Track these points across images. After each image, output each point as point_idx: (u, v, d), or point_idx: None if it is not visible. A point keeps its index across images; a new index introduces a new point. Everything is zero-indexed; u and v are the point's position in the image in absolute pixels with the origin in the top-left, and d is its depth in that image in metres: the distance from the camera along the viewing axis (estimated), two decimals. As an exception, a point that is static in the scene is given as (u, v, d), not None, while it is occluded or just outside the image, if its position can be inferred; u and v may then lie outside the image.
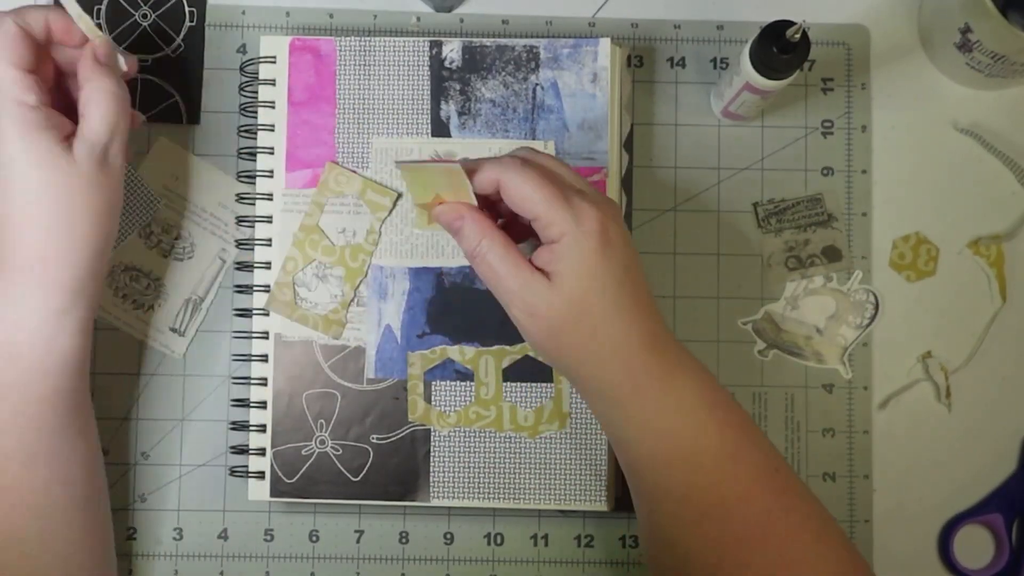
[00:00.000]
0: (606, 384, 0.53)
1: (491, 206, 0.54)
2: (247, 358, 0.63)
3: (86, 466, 0.57)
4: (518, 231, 0.54)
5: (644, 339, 0.52)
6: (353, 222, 0.63)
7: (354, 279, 0.62)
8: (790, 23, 0.56)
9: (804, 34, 0.56)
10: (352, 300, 0.62)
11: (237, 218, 0.65)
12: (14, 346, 0.54)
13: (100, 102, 0.54)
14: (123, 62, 0.57)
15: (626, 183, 0.65)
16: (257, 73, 0.64)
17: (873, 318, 0.66)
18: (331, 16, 0.67)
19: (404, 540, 0.64)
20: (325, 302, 0.62)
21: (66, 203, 0.54)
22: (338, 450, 0.62)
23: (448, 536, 0.64)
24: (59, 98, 0.57)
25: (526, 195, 0.51)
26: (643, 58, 0.67)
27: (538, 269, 0.51)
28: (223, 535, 0.64)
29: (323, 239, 0.63)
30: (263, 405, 0.62)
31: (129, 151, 0.56)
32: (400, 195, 0.63)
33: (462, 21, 0.67)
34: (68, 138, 0.54)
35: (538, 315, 0.52)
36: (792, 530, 0.52)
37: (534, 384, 0.62)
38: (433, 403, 0.62)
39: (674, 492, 0.53)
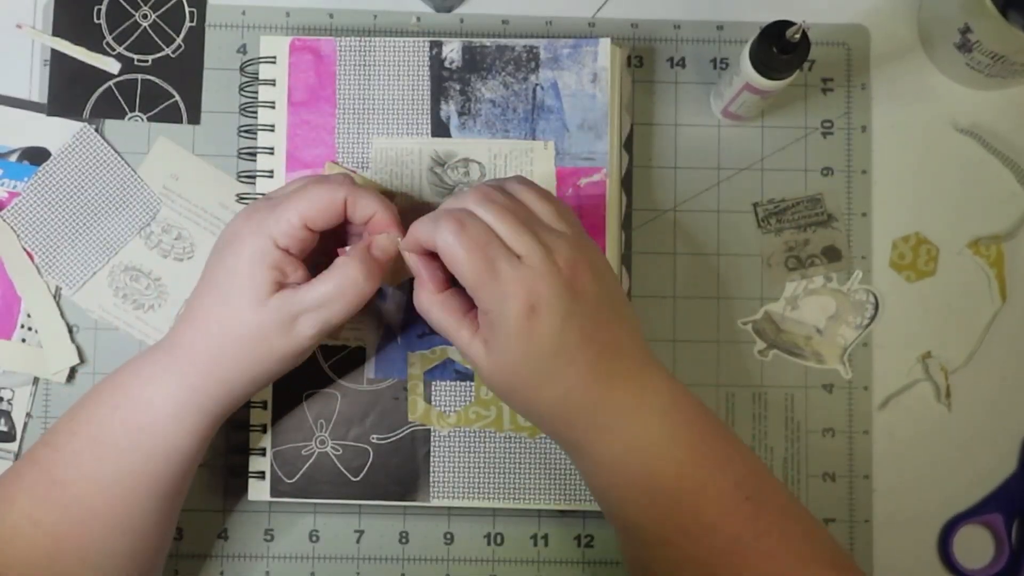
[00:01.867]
0: (554, 436, 0.55)
1: None
2: (247, 358, 0.63)
3: (157, 547, 0.57)
4: None
5: (587, 399, 0.51)
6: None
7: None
8: (790, 23, 0.56)
9: (804, 34, 0.56)
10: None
11: (237, 218, 0.65)
12: (140, 428, 0.54)
13: (337, 284, 0.53)
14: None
15: (626, 183, 0.65)
16: (257, 73, 0.64)
17: (873, 318, 0.66)
18: (331, 16, 0.67)
19: (404, 540, 0.64)
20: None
21: (232, 329, 0.53)
22: (338, 450, 0.62)
23: (448, 536, 0.64)
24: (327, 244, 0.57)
25: (455, 265, 0.50)
26: (643, 58, 0.67)
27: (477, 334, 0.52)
28: (223, 535, 0.64)
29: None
30: (263, 405, 0.62)
31: (324, 336, 0.55)
32: (397, 195, 0.63)
33: (462, 21, 0.67)
34: (284, 286, 0.53)
35: (482, 373, 0.53)
36: (766, 553, 0.51)
37: (534, 384, 0.62)
38: (433, 403, 0.62)
39: (633, 522, 0.53)
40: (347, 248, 0.56)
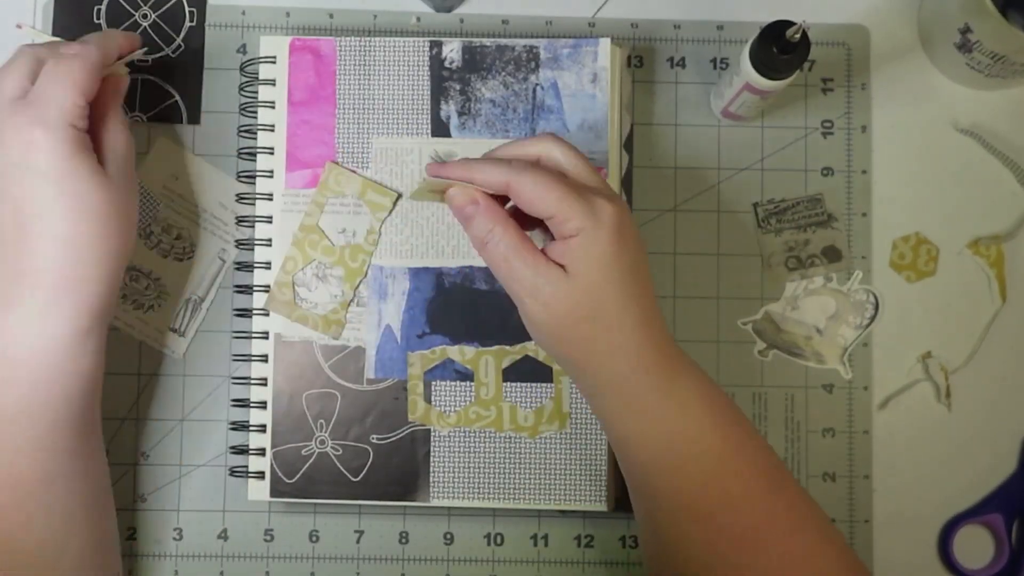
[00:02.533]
0: (614, 379, 0.53)
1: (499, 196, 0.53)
2: (247, 358, 0.63)
3: (99, 483, 0.58)
4: (525, 221, 0.54)
5: (651, 338, 0.52)
6: (353, 222, 0.63)
7: (354, 279, 0.62)
8: (790, 23, 0.56)
9: (804, 34, 0.56)
10: (352, 300, 0.62)
11: (237, 218, 0.65)
12: (35, 369, 0.54)
13: (121, 129, 0.57)
14: (135, 54, 0.61)
15: (626, 183, 0.65)
16: (257, 73, 0.64)
17: (873, 318, 0.66)
18: (331, 16, 0.67)
19: (404, 540, 0.64)
20: (325, 302, 0.62)
21: (102, 222, 0.54)
22: (338, 450, 0.62)
23: (448, 536, 0.64)
24: None
25: (538, 197, 0.50)
26: (643, 58, 0.67)
27: (552, 261, 0.52)
28: (223, 535, 0.64)
29: (323, 239, 0.63)
30: (263, 405, 0.62)
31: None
32: (400, 195, 0.63)
33: (462, 21, 0.67)
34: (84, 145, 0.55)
35: (552, 306, 0.51)
36: (792, 529, 0.52)
37: (534, 384, 0.62)
38: (433, 403, 0.62)
39: (677, 492, 0.53)
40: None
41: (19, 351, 0.53)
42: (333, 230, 0.63)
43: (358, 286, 0.62)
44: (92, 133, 0.56)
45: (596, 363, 0.53)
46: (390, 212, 0.63)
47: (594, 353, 0.52)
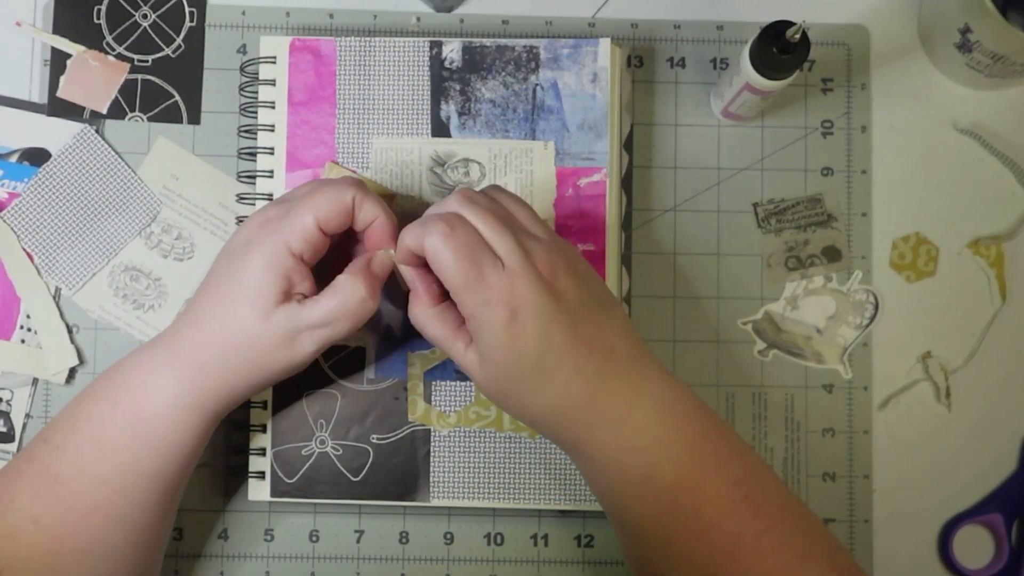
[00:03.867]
0: (552, 438, 0.55)
1: None
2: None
3: (156, 543, 0.58)
4: None
5: (580, 400, 0.52)
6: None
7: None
8: (790, 23, 0.56)
9: (804, 34, 0.56)
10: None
11: (237, 218, 0.65)
12: (142, 421, 0.54)
13: (341, 302, 0.54)
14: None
15: (626, 183, 0.65)
16: (257, 73, 0.64)
17: (873, 318, 0.66)
18: (331, 16, 0.67)
19: (404, 540, 0.64)
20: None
21: (235, 335, 0.53)
22: (338, 450, 0.62)
23: (448, 536, 0.64)
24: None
25: (442, 268, 0.50)
26: (643, 58, 0.67)
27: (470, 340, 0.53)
28: (223, 535, 0.64)
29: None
30: (263, 405, 0.62)
31: (323, 350, 0.56)
32: (395, 195, 0.63)
33: (462, 21, 0.67)
34: (290, 296, 0.54)
35: (477, 380, 0.53)
36: (766, 551, 0.51)
37: (534, 384, 0.62)
38: (433, 403, 0.62)
39: (634, 521, 0.53)
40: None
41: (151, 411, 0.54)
42: None
43: None
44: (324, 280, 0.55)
45: (531, 423, 0.55)
46: None
47: (522, 418, 0.54)
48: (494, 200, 0.54)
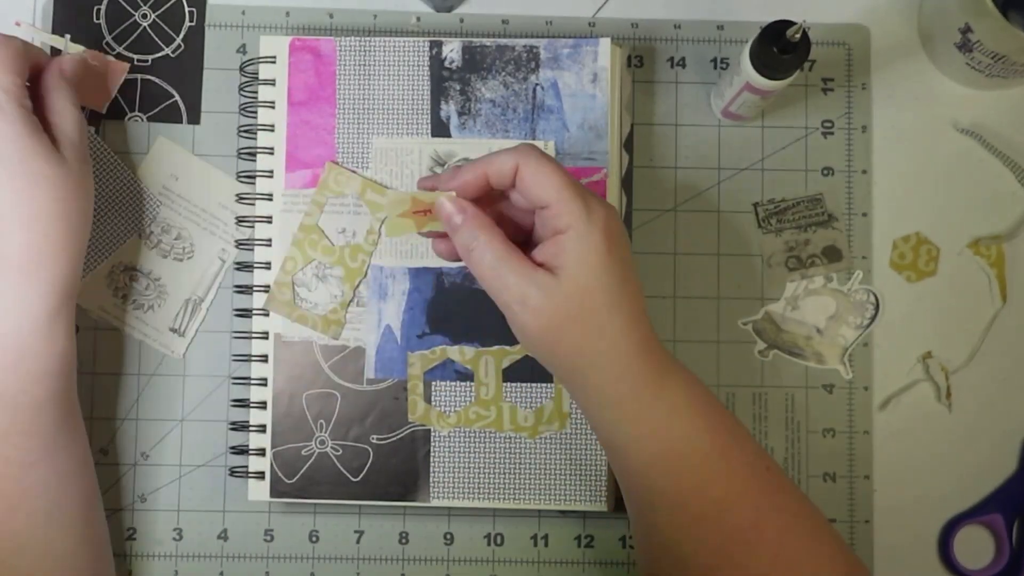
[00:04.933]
0: (603, 384, 0.53)
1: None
2: (247, 358, 0.63)
3: (81, 467, 0.58)
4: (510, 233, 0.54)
5: (640, 342, 0.52)
6: (353, 222, 0.63)
7: (353, 279, 0.62)
8: (790, 23, 0.56)
9: (804, 34, 0.56)
10: (351, 300, 0.62)
11: (237, 218, 0.65)
12: (10, 352, 0.54)
13: (69, 109, 0.58)
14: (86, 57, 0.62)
15: (626, 183, 0.65)
16: (257, 73, 0.64)
17: (873, 318, 0.65)
18: (331, 16, 0.67)
19: (404, 540, 0.64)
20: (324, 302, 0.62)
21: (62, 201, 0.55)
22: (338, 450, 0.62)
23: (448, 536, 0.64)
24: None
25: (543, 181, 0.51)
26: (643, 58, 0.67)
27: (539, 265, 0.51)
28: (223, 535, 0.64)
29: (322, 239, 0.63)
30: (263, 405, 0.62)
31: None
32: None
33: (462, 21, 0.67)
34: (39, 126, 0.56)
35: (540, 311, 0.51)
36: (785, 529, 0.52)
37: (534, 384, 0.62)
38: (433, 403, 0.62)
39: (669, 495, 0.53)
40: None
41: None
42: (333, 230, 0.63)
43: (358, 286, 0.62)
44: (41, 116, 0.57)
45: (585, 367, 0.52)
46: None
47: (583, 357, 0.52)
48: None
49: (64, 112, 0.58)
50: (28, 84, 0.57)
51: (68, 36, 0.65)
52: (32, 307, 0.54)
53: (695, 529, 0.52)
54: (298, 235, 0.63)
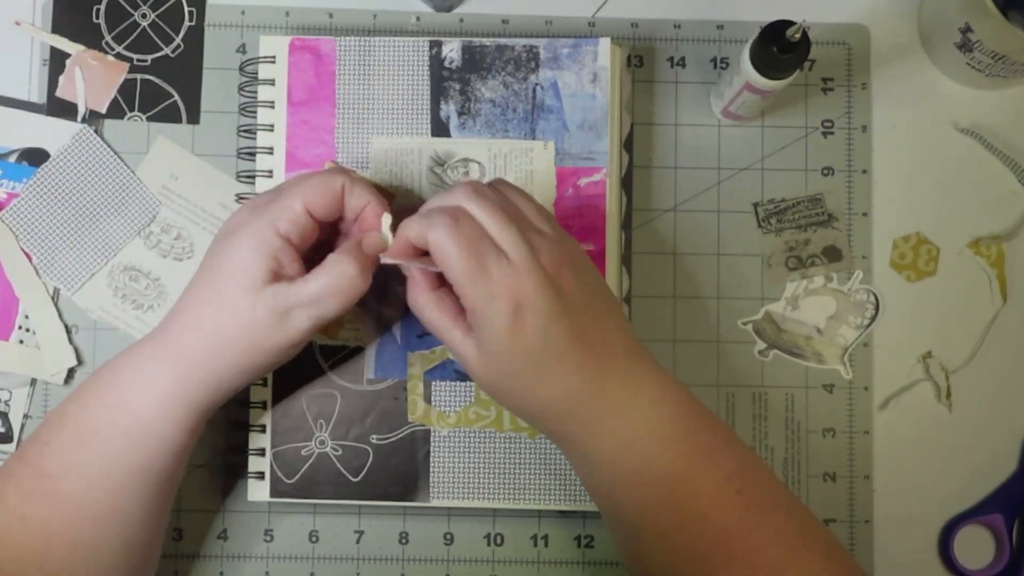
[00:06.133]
0: (548, 434, 0.55)
1: None
2: (247, 358, 0.63)
3: (148, 542, 0.57)
4: None
5: (578, 398, 0.52)
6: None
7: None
8: (790, 23, 0.56)
9: (804, 34, 0.56)
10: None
11: (237, 218, 0.65)
12: (128, 414, 0.53)
13: (331, 279, 0.53)
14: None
15: (626, 183, 0.65)
16: (257, 73, 0.64)
17: (873, 318, 0.65)
18: (331, 16, 0.67)
19: (404, 540, 0.64)
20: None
21: (224, 318, 0.53)
22: (338, 450, 0.62)
23: (448, 536, 0.64)
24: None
25: (446, 261, 0.51)
26: (643, 58, 0.67)
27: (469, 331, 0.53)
28: (223, 535, 0.64)
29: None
30: (263, 405, 0.62)
31: (315, 332, 0.55)
32: (395, 196, 0.63)
33: (462, 21, 0.67)
34: (280, 277, 0.53)
35: (470, 372, 0.53)
36: (760, 546, 0.51)
37: (534, 384, 0.62)
38: (433, 403, 0.62)
39: (629, 515, 0.53)
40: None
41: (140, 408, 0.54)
42: None
43: None
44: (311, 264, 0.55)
45: (527, 419, 0.56)
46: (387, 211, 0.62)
47: (517, 412, 0.55)
48: (499, 193, 0.54)
49: (323, 273, 0.53)
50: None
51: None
52: (162, 385, 0.53)
53: (661, 543, 0.52)
54: None
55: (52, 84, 0.66)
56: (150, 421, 0.53)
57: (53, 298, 0.65)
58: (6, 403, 0.64)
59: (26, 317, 0.64)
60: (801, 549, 0.52)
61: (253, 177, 0.64)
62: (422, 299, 0.54)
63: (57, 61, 0.66)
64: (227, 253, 0.53)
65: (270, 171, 0.63)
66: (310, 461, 0.62)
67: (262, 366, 0.55)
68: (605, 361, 0.52)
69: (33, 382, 0.64)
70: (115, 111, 0.66)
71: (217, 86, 0.66)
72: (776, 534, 0.52)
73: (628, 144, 0.65)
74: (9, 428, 0.64)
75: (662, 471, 0.52)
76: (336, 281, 0.53)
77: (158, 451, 0.54)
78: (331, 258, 0.54)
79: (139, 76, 0.66)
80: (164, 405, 0.53)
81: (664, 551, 0.52)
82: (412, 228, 0.53)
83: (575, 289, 0.52)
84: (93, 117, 0.66)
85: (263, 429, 0.62)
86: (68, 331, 0.65)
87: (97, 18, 0.66)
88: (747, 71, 0.59)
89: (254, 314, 0.52)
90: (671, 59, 0.67)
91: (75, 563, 0.53)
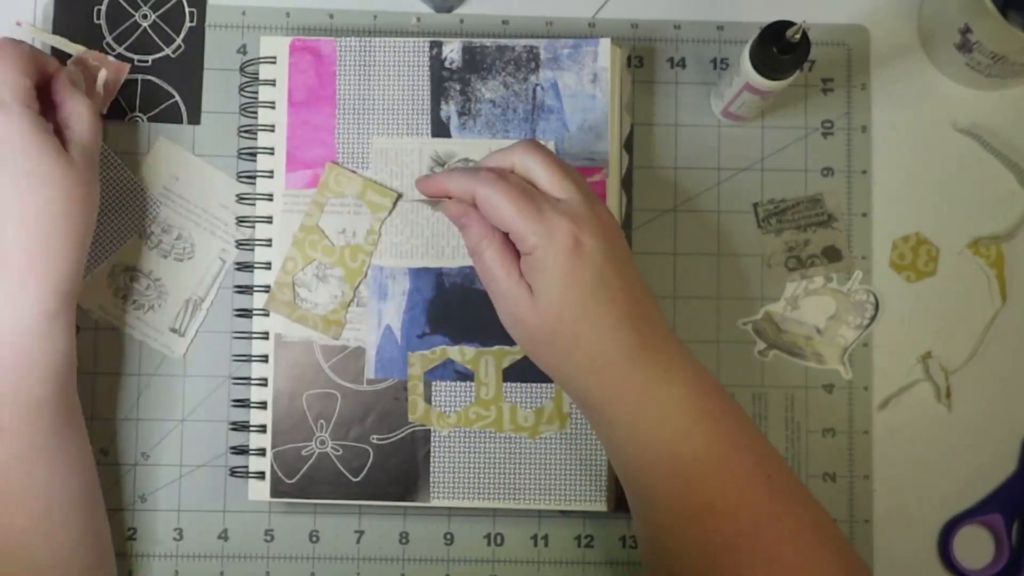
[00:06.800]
0: (586, 395, 0.54)
1: None
2: (247, 358, 0.63)
3: (81, 465, 0.58)
4: None
5: (623, 351, 0.52)
6: (353, 222, 0.63)
7: (354, 279, 0.62)
8: (790, 23, 0.56)
9: (804, 34, 0.56)
10: (352, 300, 0.62)
11: (237, 218, 0.65)
12: (8, 351, 0.54)
13: (83, 115, 0.58)
14: (102, 79, 0.63)
15: (626, 183, 0.65)
16: (257, 73, 0.64)
17: (873, 318, 0.66)
18: (331, 16, 0.67)
19: (404, 540, 0.64)
20: (325, 302, 0.62)
21: (65, 202, 0.55)
22: (338, 450, 0.62)
23: (448, 536, 0.64)
24: None
25: (496, 208, 0.51)
26: (643, 58, 0.67)
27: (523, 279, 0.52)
28: (223, 535, 0.64)
29: (323, 239, 0.63)
30: (263, 405, 0.62)
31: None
32: (400, 195, 0.63)
33: (462, 21, 0.67)
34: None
35: (519, 323, 0.53)
36: (783, 536, 0.52)
37: (534, 384, 0.62)
38: (433, 403, 0.62)
39: (660, 498, 0.53)
40: None
41: None
42: (333, 230, 0.63)
43: (358, 286, 0.62)
44: (52, 118, 0.58)
45: (565, 381, 0.54)
46: (390, 212, 0.63)
47: (561, 371, 0.54)
48: (551, 157, 0.54)
49: (77, 115, 0.58)
50: (39, 87, 0.58)
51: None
52: (31, 307, 0.55)
53: (687, 530, 0.52)
54: (298, 235, 0.63)
55: (53, 84, 0.66)
56: (35, 350, 0.55)
57: (54, 298, 0.65)
58: (7, 403, 0.64)
59: (27, 317, 0.64)
60: (816, 546, 0.52)
61: (254, 177, 0.64)
62: (487, 239, 0.53)
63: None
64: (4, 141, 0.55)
65: (271, 171, 0.63)
66: (310, 461, 0.62)
67: (91, 227, 0.58)
68: (648, 325, 0.53)
69: (34, 382, 0.65)
70: (116, 111, 0.66)
71: (218, 87, 0.66)
72: (796, 527, 0.52)
73: (628, 144, 0.65)
74: (10, 428, 0.64)
75: (695, 449, 0.52)
76: (91, 116, 0.59)
77: (32, 374, 0.55)
78: (69, 105, 0.58)
79: (140, 77, 0.66)
80: (37, 331, 0.55)
81: (696, 536, 0.52)
82: (457, 181, 0.53)
83: (623, 248, 0.53)
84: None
85: (263, 429, 0.62)
86: (69, 331, 0.65)
87: (98, 19, 0.66)
88: (747, 72, 0.59)
89: (78, 174, 0.56)
90: (671, 59, 0.67)
91: (9, 512, 0.54)
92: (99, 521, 0.59)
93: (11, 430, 0.54)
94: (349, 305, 0.62)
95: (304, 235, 0.63)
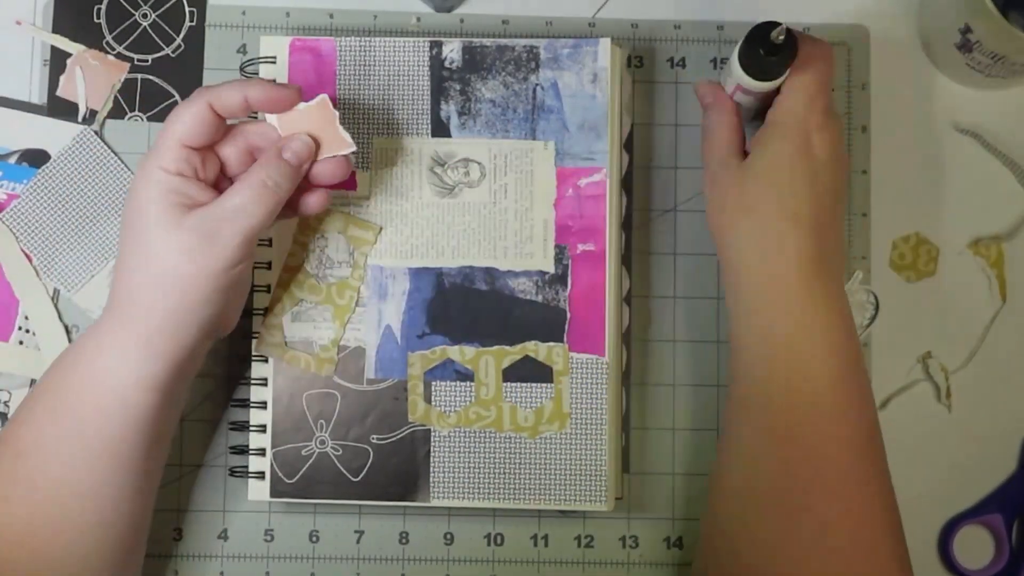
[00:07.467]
0: (746, 284, 0.56)
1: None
2: (247, 358, 0.63)
3: (131, 516, 0.57)
4: None
5: (799, 260, 0.55)
6: (337, 259, 0.62)
7: (343, 316, 0.62)
8: (776, 24, 0.55)
9: (790, 36, 0.55)
10: (342, 337, 0.62)
11: (237, 218, 0.65)
12: (93, 386, 0.54)
13: (250, 187, 0.53)
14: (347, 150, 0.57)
15: (626, 183, 0.65)
16: (257, 73, 0.64)
17: (873, 318, 0.65)
18: (331, 16, 0.67)
19: (404, 540, 0.64)
20: (316, 341, 0.62)
21: (155, 262, 0.53)
22: (338, 450, 0.62)
23: (448, 536, 0.64)
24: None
25: (810, 68, 0.56)
26: (643, 58, 0.67)
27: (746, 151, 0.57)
28: (223, 535, 0.64)
29: (308, 278, 0.62)
30: (263, 405, 0.62)
31: (250, 246, 0.54)
32: (381, 228, 0.62)
33: (462, 21, 0.67)
34: (194, 206, 0.53)
35: (716, 185, 0.57)
36: (865, 498, 0.54)
37: (534, 384, 0.62)
38: (433, 403, 0.62)
39: (773, 404, 0.54)
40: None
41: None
42: (318, 269, 0.62)
43: (348, 322, 0.62)
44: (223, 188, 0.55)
45: (734, 261, 0.57)
46: (373, 245, 0.62)
47: (734, 249, 0.57)
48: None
49: (241, 185, 0.54)
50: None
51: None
52: (128, 350, 0.54)
53: (779, 450, 0.54)
54: (283, 276, 0.62)
55: (53, 84, 0.66)
56: (115, 388, 0.53)
57: (53, 299, 0.65)
58: (5, 404, 0.64)
59: (26, 318, 0.64)
60: (888, 533, 0.54)
61: (253, 177, 0.64)
62: (720, 102, 0.60)
63: (58, 61, 0.66)
64: (133, 207, 0.54)
65: (270, 171, 0.63)
66: (310, 461, 0.62)
67: (211, 299, 0.54)
68: (829, 244, 0.56)
69: (33, 383, 0.65)
70: (116, 111, 0.66)
71: (217, 86, 0.66)
72: (882, 506, 0.55)
73: (628, 144, 0.65)
74: (10, 428, 0.64)
75: (824, 373, 0.54)
76: (254, 187, 0.53)
77: (131, 419, 0.54)
78: (249, 170, 0.54)
79: (140, 76, 0.66)
80: (127, 368, 0.53)
81: (783, 456, 0.54)
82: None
83: (843, 201, 0.58)
84: (93, 117, 0.66)
85: (263, 429, 0.62)
86: (68, 332, 0.65)
87: (98, 18, 0.66)
88: (737, 74, 0.59)
89: (181, 245, 0.52)
90: (671, 59, 0.67)
91: (58, 542, 0.53)
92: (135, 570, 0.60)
93: (79, 458, 0.54)
94: (340, 341, 0.62)
95: (289, 276, 0.62)
